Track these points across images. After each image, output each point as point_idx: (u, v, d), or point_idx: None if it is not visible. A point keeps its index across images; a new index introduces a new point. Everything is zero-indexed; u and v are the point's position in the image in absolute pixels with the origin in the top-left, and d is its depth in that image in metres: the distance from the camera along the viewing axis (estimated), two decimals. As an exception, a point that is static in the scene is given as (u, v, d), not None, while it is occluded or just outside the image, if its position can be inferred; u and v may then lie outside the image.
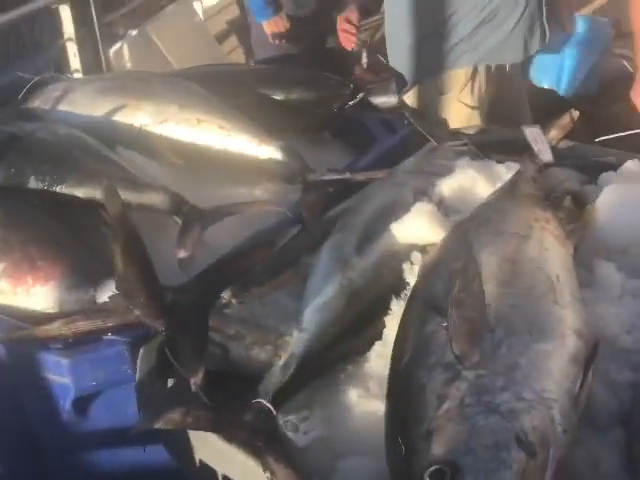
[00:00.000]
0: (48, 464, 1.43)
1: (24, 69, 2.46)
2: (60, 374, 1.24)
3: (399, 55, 2.09)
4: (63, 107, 1.90)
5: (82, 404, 1.28)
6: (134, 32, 3.48)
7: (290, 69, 2.30)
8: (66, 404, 1.28)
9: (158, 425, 1.06)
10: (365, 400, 1.14)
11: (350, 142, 1.99)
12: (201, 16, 3.92)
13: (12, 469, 1.46)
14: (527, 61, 2.28)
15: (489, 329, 1.00)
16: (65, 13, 3.10)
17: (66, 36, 3.11)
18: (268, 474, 1.01)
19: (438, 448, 0.88)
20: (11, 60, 2.83)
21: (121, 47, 3.33)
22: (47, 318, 1.26)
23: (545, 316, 1.04)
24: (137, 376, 1.20)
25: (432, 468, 0.85)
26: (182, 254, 1.39)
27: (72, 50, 3.11)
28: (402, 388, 1.00)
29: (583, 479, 1.00)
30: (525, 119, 2.10)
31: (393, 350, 1.08)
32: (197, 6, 3.96)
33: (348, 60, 2.83)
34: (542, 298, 1.06)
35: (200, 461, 1.14)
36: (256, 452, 1.03)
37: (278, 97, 1.99)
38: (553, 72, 3.04)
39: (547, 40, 2.03)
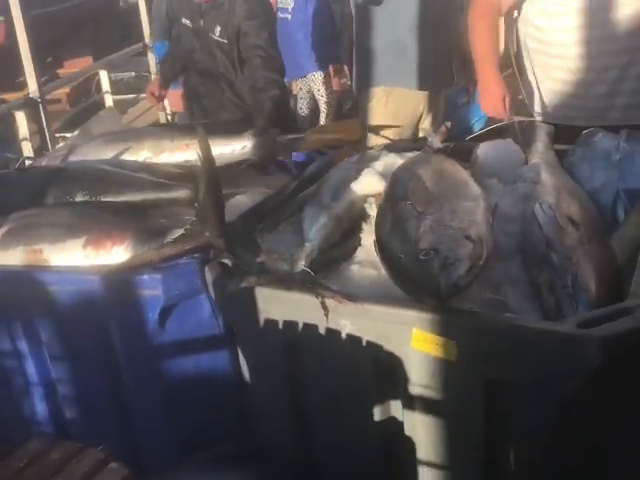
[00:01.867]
0: (125, 381, 1.93)
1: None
2: (153, 288, 1.79)
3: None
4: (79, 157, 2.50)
5: (168, 312, 1.83)
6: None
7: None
8: (155, 314, 1.82)
9: (245, 284, 1.65)
10: (360, 269, 1.80)
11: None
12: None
13: (91, 388, 1.94)
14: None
15: (434, 199, 1.72)
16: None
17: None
18: (320, 298, 1.62)
19: (424, 244, 1.55)
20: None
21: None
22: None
23: (465, 192, 1.77)
24: (209, 281, 1.79)
25: (424, 252, 1.52)
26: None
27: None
28: (390, 235, 1.67)
29: (502, 283, 1.70)
30: None
31: (375, 225, 1.76)
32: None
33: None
34: (461, 185, 1.81)
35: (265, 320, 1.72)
36: (309, 289, 1.65)
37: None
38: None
39: None
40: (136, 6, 5.81)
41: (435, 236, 1.57)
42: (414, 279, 1.52)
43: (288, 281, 1.70)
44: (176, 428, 1.99)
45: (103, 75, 5.10)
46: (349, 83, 5.88)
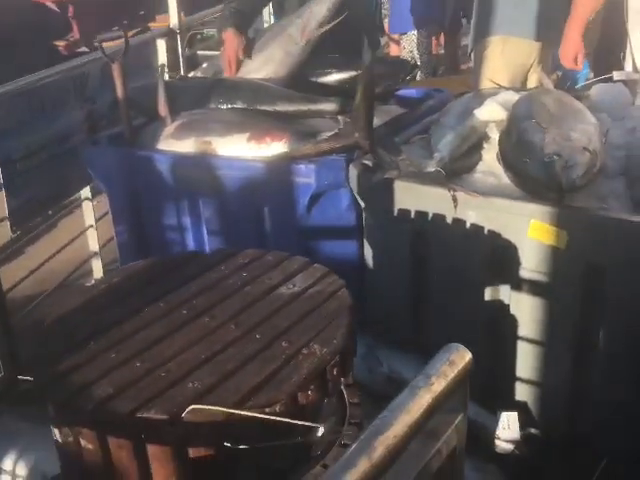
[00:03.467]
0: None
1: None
2: (308, 176, 2.16)
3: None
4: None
5: (315, 199, 2.19)
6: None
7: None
8: (306, 199, 2.18)
9: (386, 176, 2.01)
10: (482, 177, 2.12)
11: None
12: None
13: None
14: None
15: (556, 120, 2.02)
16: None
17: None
18: (452, 192, 1.96)
19: (549, 150, 1.86)
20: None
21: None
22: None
23: (582, 117, 2.07)
24: (354, 175, 2.14)
25: (548, 155, 1.83)
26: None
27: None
28: (515, 145, 1.98)
29: (607, 196, 2.00)
30: None
31: (500, 139, 2.07)
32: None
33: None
34: (578, 112, 2.10)
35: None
36: (442, 184, 1.98)
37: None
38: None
39: None
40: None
41: (559, 145, 1.88)
42: (539, 178, 1.84)
43: (424, 177, 2.04)
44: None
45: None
46: (442, 51, 6.14)
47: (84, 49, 6.32)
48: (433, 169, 2.11)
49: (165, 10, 5.20)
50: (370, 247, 2.23)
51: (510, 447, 1.98)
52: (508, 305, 2.00)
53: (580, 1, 2.79)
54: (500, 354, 2.06)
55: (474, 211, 1.95)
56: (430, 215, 2.04)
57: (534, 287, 1.93)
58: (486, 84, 3.13)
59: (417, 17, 5.21)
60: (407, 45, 5.57)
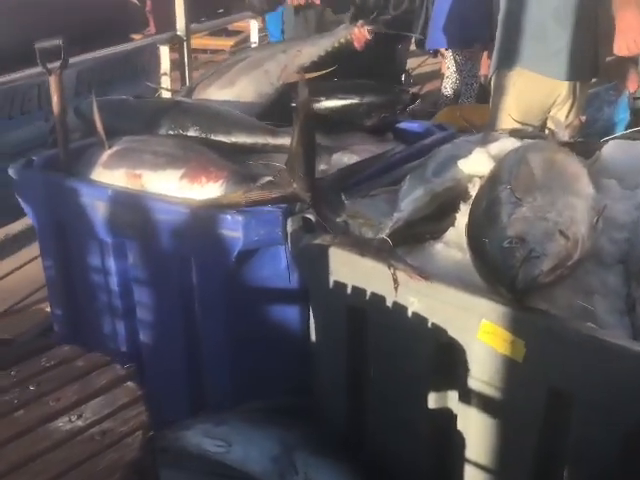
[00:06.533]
0: (197, 321, 1.96)
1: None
2: (234, 229, 1.79)
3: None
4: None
5: (245, 256, 1.82)
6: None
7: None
8: (233, 255, 1.82)
9: (319, 241, 1.61)
10: (446, 249, 1.70)
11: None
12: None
13: (167, 317, 1.99)
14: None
15: (537, 188, 1.58)
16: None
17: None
18: (392, 270, 1.55)
19: (511, 231, 1.43)
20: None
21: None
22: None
23: (573, 186, 1.63)
24: (289, 232, 1.76)
25: (509, 239, 1.41)
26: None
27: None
28: (480, 218, 1.56)
29: (594, 291, 1.55)
30: None
31: (471, 205, 1.65)
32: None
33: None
34: (570, 179, 1.66)
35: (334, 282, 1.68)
36: (382, 258, 1.58)
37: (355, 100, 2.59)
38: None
39: None
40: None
41: (526, 225, 1.45)
42: (493, 266, 1.42)
43: (364, 246, 1.64)
44: (239, 373, 2.00)
45: (253, 26, 5.18)
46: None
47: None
48: (384, 234, 1.71)
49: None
50: (312, 320, 1.85)
51: None
52: (455, 417, 1.59)
53: None
54: (443, 477, 1.64)
55: (416, 297, 1.55)
56: (368, 294, 1.64)
57: (484, 402, 1.51)
58: (501, 118, 2.70)
59: (456, 33, 4.76)
60: (451, 64, 5.14)
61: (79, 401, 1.04)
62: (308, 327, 1.88)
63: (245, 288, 1.88)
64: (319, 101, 2.45)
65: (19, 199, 2.23)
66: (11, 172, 2.22)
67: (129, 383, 1.07)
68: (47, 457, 0.92)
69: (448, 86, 5.19)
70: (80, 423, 1.00)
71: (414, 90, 3.00)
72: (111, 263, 2.09)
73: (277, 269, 1.86)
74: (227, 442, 1.78)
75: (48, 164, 2.23)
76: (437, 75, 6.13)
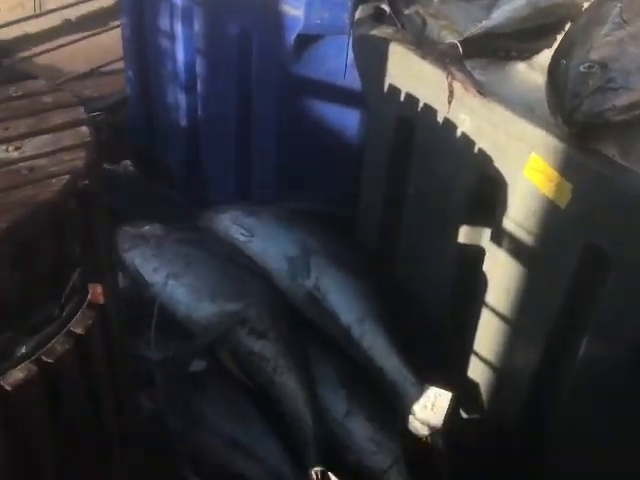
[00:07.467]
0: (251, 102, 1.85)
1: None
2: (295, 6, 1.60)
3: None
4: None
5: (305, 42, 1.64)
6: None
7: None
8: (292, 37, 1.64)
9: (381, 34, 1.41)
10: (527, 70, 1.44)
11: None
12: None
13: (223, 94, 1.88)
14: None
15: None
16: None
17: None
18: (450, 79, 1.34)
19: (596, 53, 1.17)
20: None
21: None
22: None
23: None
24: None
25: (589, 63, 1.15)
26: None
27: None
28: (573, 35, 1.29)
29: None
30: None
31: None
32: None
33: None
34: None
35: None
36: (443, 64, 1.36)
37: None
38: None
39: None
40: None
41: (617, 50, 1.18)
42: (558, 91, 1.18)
43: (428, 47, 1.42)
44: (285, 168, 1.90)
45: None
46: None
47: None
48: (457, 39, 1.46)
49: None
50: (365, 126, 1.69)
51: (423, 432, 1.51)
52: (483, 257, 1.43)
53: None
54: (460, 315, 1.52)
55: (468, 115, 1.34)
56: (420, 105, 1.44)
57: (515, 247, 1.33)
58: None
59: None
60: None
61: (25, 134, 0.96)
62: (361, 136, 1.73)
63: (301, 79, 1.72)
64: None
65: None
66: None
67: (83, 128, 0.98)
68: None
69: None
70: (15, 155, 0.93)
71: None
72: (178, 28, 1.97)
73: (337, 65, 1.67)
74: (251, 233, 1.73)
75: None
76: None
